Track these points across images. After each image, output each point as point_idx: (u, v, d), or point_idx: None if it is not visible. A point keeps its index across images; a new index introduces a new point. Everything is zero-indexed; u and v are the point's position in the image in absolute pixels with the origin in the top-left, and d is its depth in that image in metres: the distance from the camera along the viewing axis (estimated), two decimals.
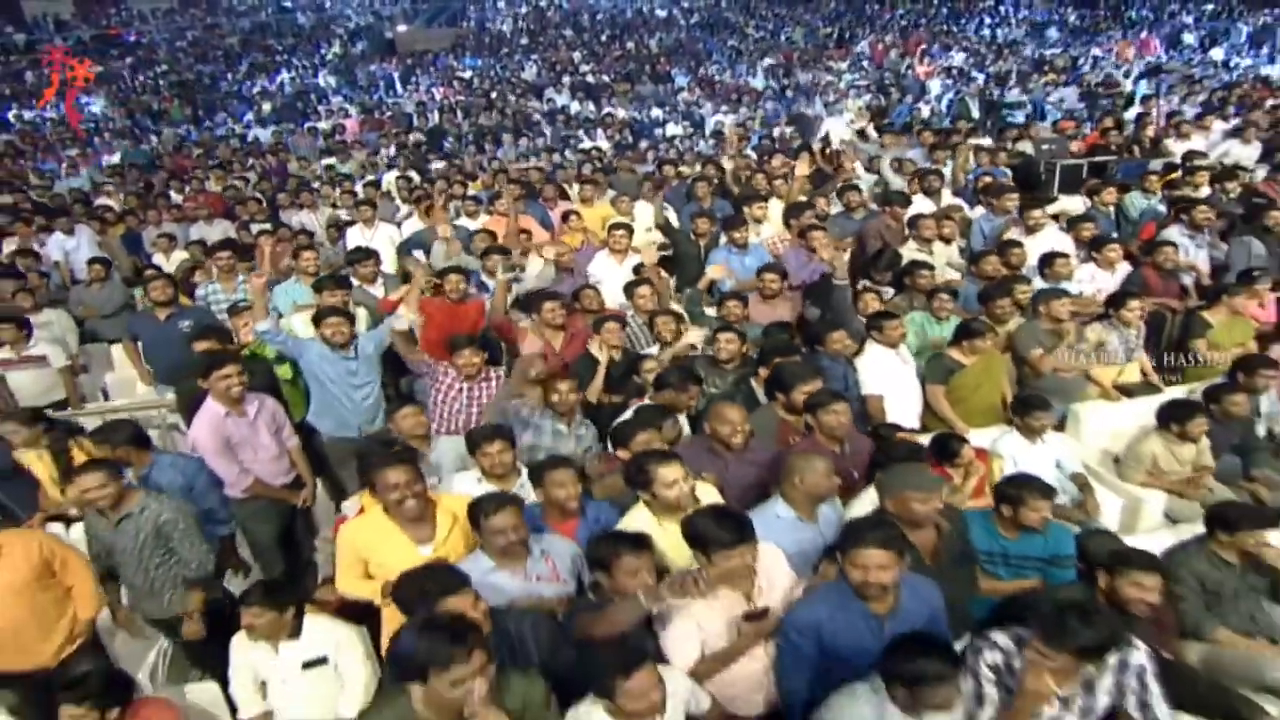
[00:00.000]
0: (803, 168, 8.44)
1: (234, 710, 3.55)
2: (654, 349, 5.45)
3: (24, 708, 3.62)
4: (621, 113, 18.34)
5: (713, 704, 2.92)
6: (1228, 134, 10.58)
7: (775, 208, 7.53)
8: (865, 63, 23.91)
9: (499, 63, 27.23)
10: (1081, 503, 4.66)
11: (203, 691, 3.58)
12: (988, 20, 26.98)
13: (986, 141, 10.58)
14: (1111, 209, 7.94)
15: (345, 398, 5.01)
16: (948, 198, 8.13)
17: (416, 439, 4.35)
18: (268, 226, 8.91)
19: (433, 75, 26.07)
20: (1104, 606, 3.04)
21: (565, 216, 7.85)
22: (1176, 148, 9.93)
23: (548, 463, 3.70)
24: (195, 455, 4.48)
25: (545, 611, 3.08)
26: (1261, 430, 5.35)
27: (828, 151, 10.28)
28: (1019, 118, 14.14)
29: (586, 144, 14.53)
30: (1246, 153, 9.93)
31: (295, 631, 3.44)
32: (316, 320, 5.05)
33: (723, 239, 6.83)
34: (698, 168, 10.26)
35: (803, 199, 7.56)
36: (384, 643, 3.49)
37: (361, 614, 3.65)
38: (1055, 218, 7.54)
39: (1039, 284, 6.03)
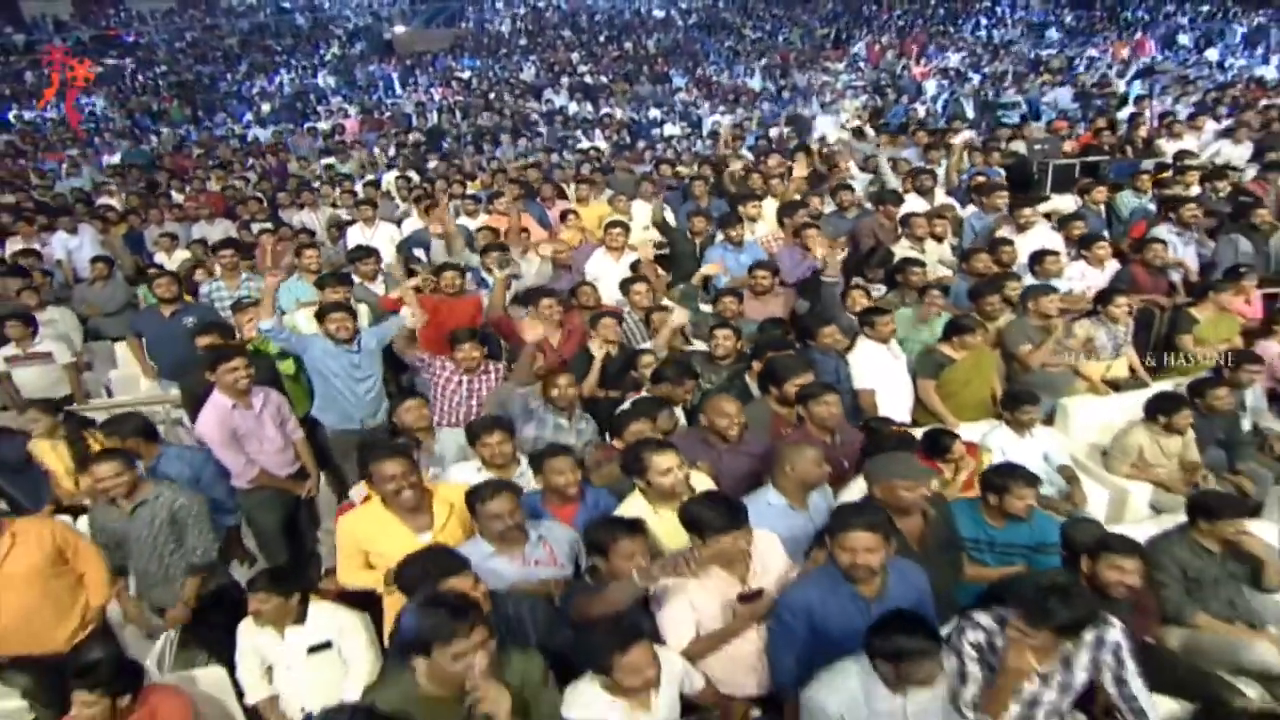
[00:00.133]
0: (800, 169, 8.55)
1: (240, 694, 3.62)
2: (650, 344, 5.56)
3: (37, 691, 3.72)
4: (619, 113, 18.42)
5: (706, 684, 3.02)
6: (1219, 134, 10.72)
7: (770, 206, 7.64)
8: (862, 63, 24.00)
9: (497, 63, 27.30)
10: (1069, 494, 4.76)
11: (210, 676, 3.66)
12: (984, 21, 27.08)
13: (971, 134, 10.69)
14: (1102, 208, 8.05)
15: (349, 391, 5.10)
16: (941, 197, 8.24)
17: (420, 431, 4.46)
18: (269, 226, 9.00)
19: (431, 76, 26.15)
20: (1081, 586, 3.14)
21: (563, 215, 7.96)
22: (1168, 147, 10.05)
23: (547, 450, 3.81)
24: (201, 448, 4.58)
25: (543, 595, 3.18)
26: (1247, 424, 5.45)
27: (824, 151, 10.40)
28: (1014, 118, 14.27)
29: (585, 144, 14.62)
30: (1238, 152, 10.05)
31: (300, 617, 3.52)
32: (320, 316, 5.15)
33: (719, 237, 6.94)
34: (695, 168, 10.36)
35: (796, 198, 7.66)
36: (386, 630, 3.57)
37: (363, 604, 3.72)
38: (1047, 216, 7.64)
39: (1029, 281, 6.14)
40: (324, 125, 19.10)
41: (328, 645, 3.52)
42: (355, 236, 8.22)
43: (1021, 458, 4.54)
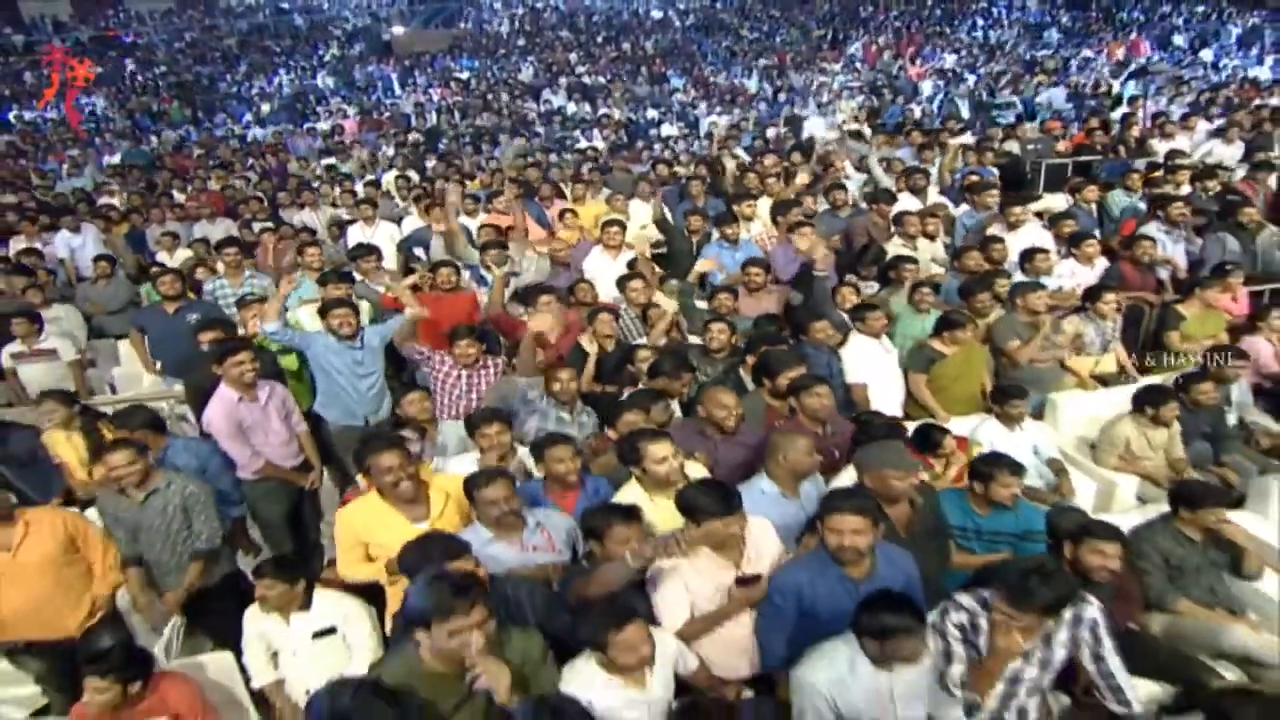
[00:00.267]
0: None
1: (247, 679, 3.71)
2: (646, 339, 5.67)
3: (50, 675, 3.82)
4: (617, 113, 18.52)
5: (700, 665, 3.12)
6: (1211, 134, 10.81)
7: (766, 205, 7.75)
8: (858, 64, 24.10)
9: (495, 64, 27.39)
10: (1057, 486, 4.86)
11: (218, 661, 3.75)
12: (980, 22, 27.20)
13: (969, 138, 10.80)
14: (1093, 207, 8.16)
15: (351, 388, 5.20)
16: (934, 196, 8.34)
17: (424, 422, 4.56)
18: (269, 225, 9.09)
19: (430, 76, 26.24)
20: (1060, 567, 3.24)
21: (561, 214, 8.06)
22: (1160, 147, 10.15)
23: (547, 439, 3.92)
24: (207, 440, 4.68)
25: (540, 579, 3.28)
26: (1233, 419, 5.55)
27: (818, 152, 10.51)
28: (1009, 118, 14.38)
29: (583, 144, 14.72)
30: (1229, 152, 10.15)
31: (305, 604, 3.60)
32: (323, 312, 5.25)
33: (715, 234, 7.05)
34: (691, 168, 10.46)
35: (790, 196, 7.77)
36: (388, 620, 3.67)
37: (366, 597, 3.79)
38: (1039, 215, 7.75)
39: (1019, 278, 6.23)
40: (323, 126, 19.20)
41: (332, 631, 3.61)
42: (356, 235, 8.31)
43: (1011, 451, 4.62)
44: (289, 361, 5.69)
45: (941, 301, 6.07)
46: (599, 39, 29.58)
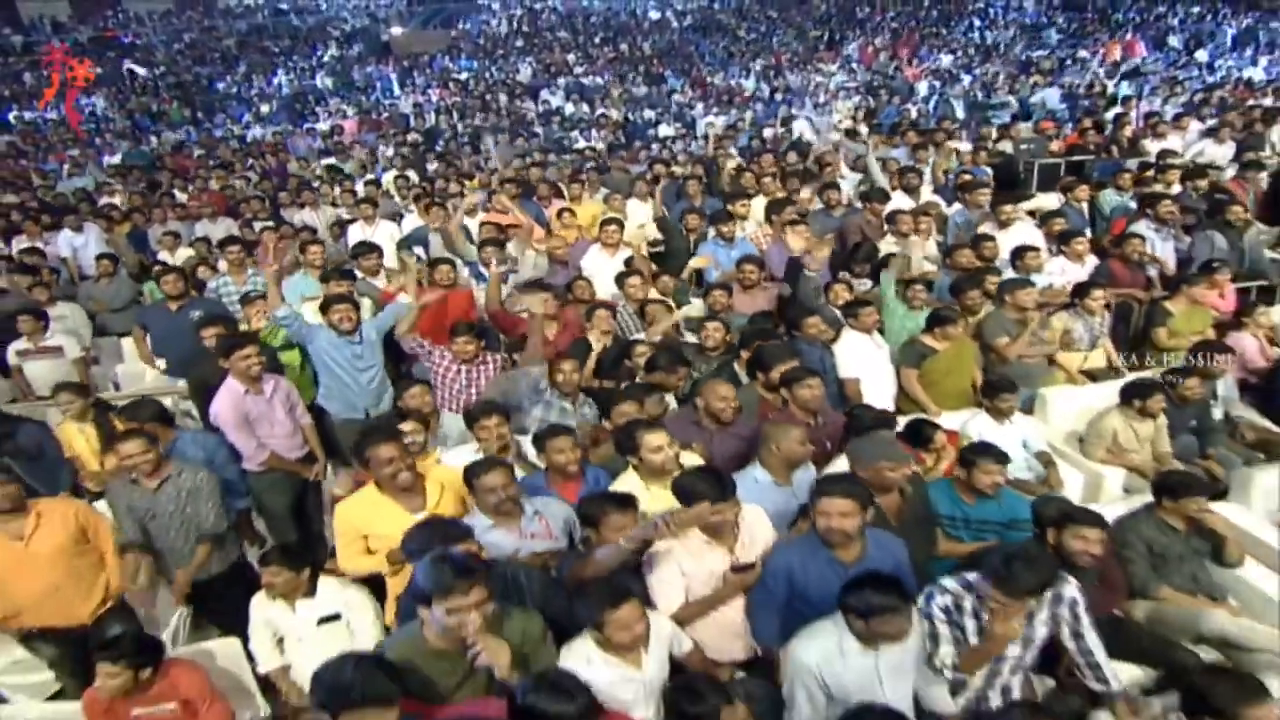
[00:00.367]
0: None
1: (254, 665, 3.81)
2: (644, 334, 5.77)
3: (62, 661, 3.92)
4: (615, 114, 18.62)
5: (694, 647, 3.22)
6: (1203, 134, 10.93)
7: (760, 205, 7.87)
8: (854, 65, 24.22)
9: (494, 64, 27.49)
10: (1046, 479, 4.96)
11: (225, 647, 3.84)
12: (977, 23, 27.33)
13: (965, 144, 10.91)
14: (1085, 205, 8.26)
15: (352, 381, 5.30)
16: (927, 194, 8.45)
17: (426, 414, 4.67)
18: (270, 224, 9.19)
19: (429, 77, 26.33)
20: (1041, 549, 3.35)
21: (560, 214, 8.17)
22: (1153, 147, 10.25)
23: (548, 431, 4.03)
24: (214, 432, 4.79)
25: (538, 566, 3.37)
26: (1218, 413, 5.66)
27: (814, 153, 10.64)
28: (1005, 118, 14.49)
29: (581, 144, 14.82)
30: (1221, 152, 10.27)
31: (310, 591, 3.69)
32: (324, 308, 5.35)
33: (711, 233, 7.16)
34: (688, 168, 10.56)
35: (781, 195, 7.88)
36: (389, 611, 3.76)
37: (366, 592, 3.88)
38: (1031, 214, 7.86)
39: (1010, 275, 6.34)
40: (323, 126, 19.30)
41: (336, 617, 3.69)
42: (356, 234, 8.40)
43: (1001, 444, 4.73)
44: (290, 357, 5.79)
45: (933, 298, 6.18)
46: (597, 40, 29.69)
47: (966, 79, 20.42)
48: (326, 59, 29.47)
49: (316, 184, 11.28)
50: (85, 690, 3.34)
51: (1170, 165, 8.75)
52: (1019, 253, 6.48)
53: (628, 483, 3.73)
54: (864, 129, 12.38)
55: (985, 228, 7.12)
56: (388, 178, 11.55)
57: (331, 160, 14.14)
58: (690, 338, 6.01)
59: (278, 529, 5.01)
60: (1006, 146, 10.84)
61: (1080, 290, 6.01)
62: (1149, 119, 11.94)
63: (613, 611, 2.73)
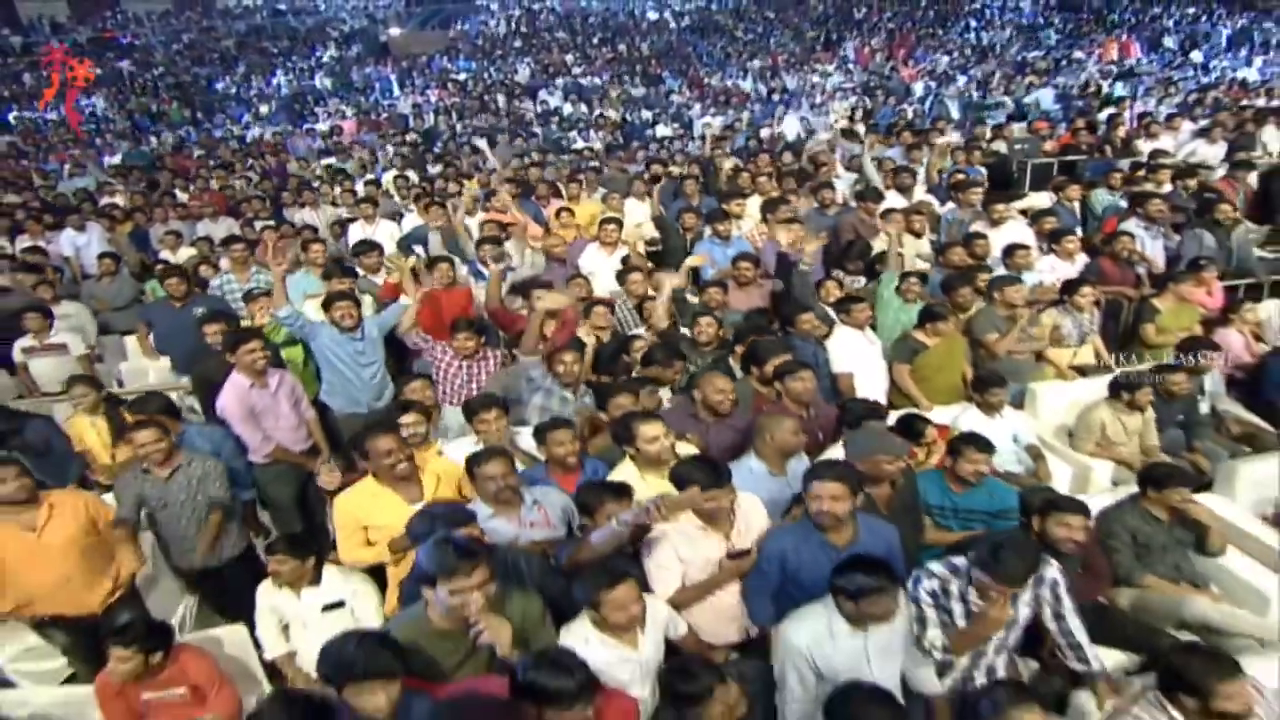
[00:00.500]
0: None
1: (260, 652, 3.89)
2: (641, 330, 5.88)
3: (74, 648, 4.02)
4: (613, 114, 18.72)
5: (689, 631, 3.32)
6: (1195, 134, 11.03)
7: (755, 204, 7.97)
8: (851, 66, 24.33)
9: (492, 65, 27.57)
10: (1035, 471, 5.06)
11: (232, 634, 3.93)
12: (973, 24, 27.44)
13: (954, 136, 11.01)
14: (1076, 205, 8.37)
15: (354, 377, 5.40)
16: (921, 194, 8.56)
17: (427, 407, 4.77)
18: (271, 223, 9.28)
19: (427, 77, 26.41)
20: (1026, 536, 3.45)
21: (558, 213, 8.26)
22: (1145, 147, 10.35)
23: (549, 424, 4.14)
24: (221, 425, 4.89)
25: (537, 552, 3.47)
26: (1205, 407, 5.78)
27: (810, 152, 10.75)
28: (1000, 118, 14.61)
29: (579, 144, 14.92)
30: (1212, 152, 10.36)
31: (315, 579, 3.77)
32: (326, 304, 5.44)
33: (707, 231, 7.26)
34: (686, 168, 10.67)
35: (775, 194, 7.99)
36: (390, 600, 3.84)
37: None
38: (1024, 213, 7.96)
39: (1002, 273, 6.44)
40: (322, 126, 19.37)
41: (340, 604, 3.77)
42: (357, 233, 8.50)
43: (991, 438, 4.85)
44: (293, 354, 5.89)
45: (926, 292, 6.28)
46: (595, 40, 29.77)
47: (962, 79, 20.52)
48: (325, 60, 29.55)
49: (316, 184, 11.36)
50: (97, 675, 3.43)
51: (1161, 165, 8.86)
52: (1010, 251, 6.58)
53: (624, 473, 3.83)
54: (861, 128, 12.49)
55: (978, 226, 7.22)
56: (387, 178, 11.64)
57: (331, 160, 14.22)
58: (686, 331, 6.11)
59: (282, 520, 5.10)
60: (1001, 146, 10.96)
61: (1069, 287, 6.11)
62: (1142, 119, 12.06)
63: (609, 591, 2.83)
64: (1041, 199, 8.79)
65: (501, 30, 32.14)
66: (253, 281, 7.07)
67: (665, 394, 4.97)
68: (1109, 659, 3.56)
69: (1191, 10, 24.68)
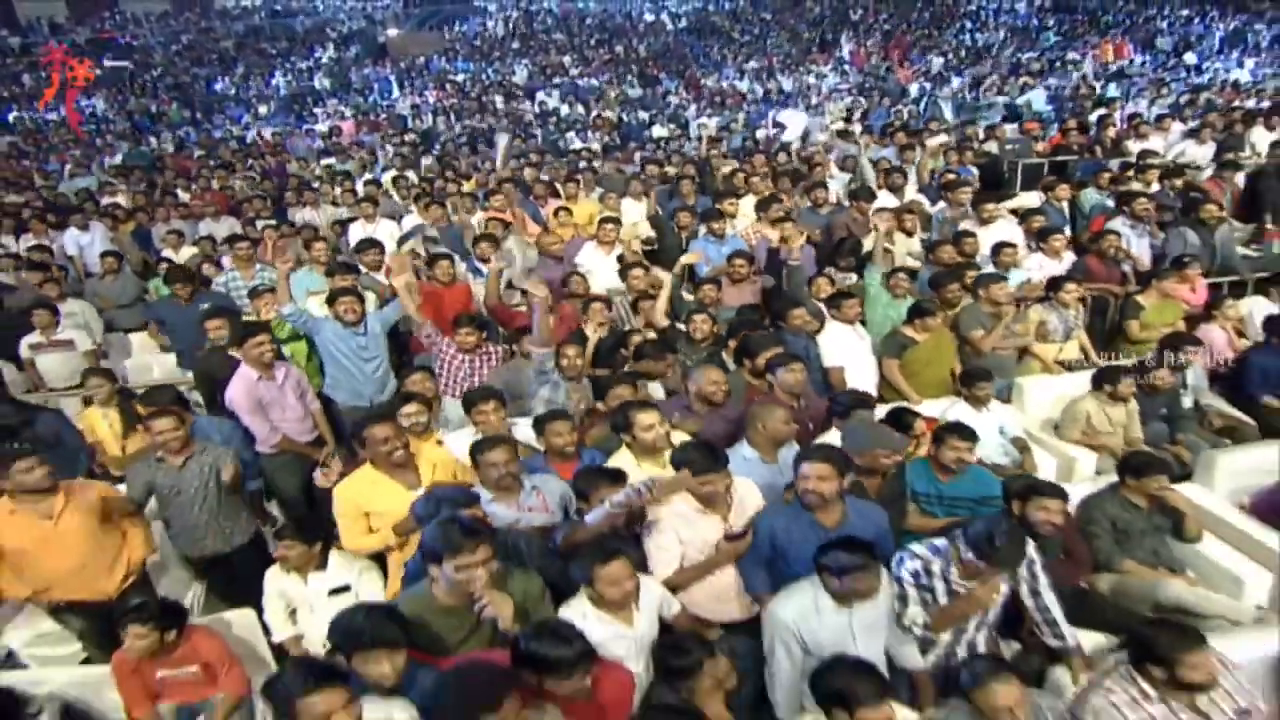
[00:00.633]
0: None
1: (268, 635, 4.01)
2: (637, 323, 6.04)
3: (90, 632, 4.14)
4: (610, 115, 18.85)
5: (682, 610, 3.45)
6: (1185, 135, 11.20)
7: (749, 203, 8.13)
8: (847, 67, 24.48)
9: (490, 66, 27.69)
10: (1021, 463, 5.21)
11: (241, 617, 4.05)
12: (968, 25, 27.61)
13: (946, 137, 11.16)
14: (1065, 204, 8.51)
15: (357, 371, 5.55)
16: (912, 193, 8.71)
17: (429, 398, 4.91)
18: (273, 223, 9.40)
19: (425, 78, 26.53)
20: (1011, 522, 3.59)
21: (556, 212, 8.41)
22: (1135, 147, 10.52)
23: (547, 415, 4.28)
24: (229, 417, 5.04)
25: (536, 535, 3.60)
26: (1188, 401, 5.91)
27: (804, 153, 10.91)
28: (994, 118, 14.75)
29: (577, 144, 15.05)
30: (1201, 152, 10.54)
31: (322, 564, 3.89)
32: (330, 301, 5.59)
33: (702, 230, 7.41)
34: (682, 168, 10.81)
35: (769, 193, 8.14)
36: (392, 586, 3.94)
37: None
38: (1014, 212, 8.11)
39: (990, 270, 6.58)
40: (321, 127, 19.48)
41: (347, 589, 3.89)
42: (357, 232, 8.61)
43: (978, 431, 4.99)
44: (296, 349, 6.01)
45: (915, 290, 6.42)
46: (592, 42, 29.91)
47: (956, 81, 20.68)
48: (324, 60, 29.66)
49: (316, 184, 11.48)
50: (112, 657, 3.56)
51: (1149, 165, 9.02)
52: (997, 249, 6.73)
53: (621, 460, 3.97)
54: (857, 129, 12.65)
55: (967, 225, 7.36)
56: (387, 178, 11.76)
57: (331, 160, 14.34)
58: (681, 327, 6.26)
59: (288, 508, 5.24)
60: (993, 147, 11.12)
61: (1055, 284, 6.25)
62: (1132, 120, 12.22)
63: (603, 567, 2.96)
64: (1031, 198, 8.94)
65: (499, 31, 32.28)
66: (258, 279, 7.20)
67: (656, 387, 5.12)
68: (1089, 641, 3.69)
69: (1185, 12, 24.88)
